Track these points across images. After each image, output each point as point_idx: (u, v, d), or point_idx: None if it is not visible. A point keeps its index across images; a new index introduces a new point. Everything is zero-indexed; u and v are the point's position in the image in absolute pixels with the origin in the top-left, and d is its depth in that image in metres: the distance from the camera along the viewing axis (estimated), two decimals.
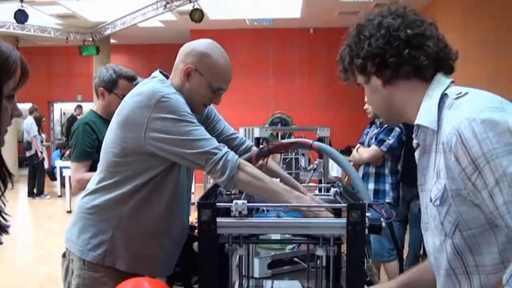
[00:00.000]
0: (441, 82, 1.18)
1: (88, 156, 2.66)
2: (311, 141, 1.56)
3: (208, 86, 1.77)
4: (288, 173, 4.53)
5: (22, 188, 10.90)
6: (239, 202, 1.26)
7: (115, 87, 2.72)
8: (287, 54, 12.01)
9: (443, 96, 1.15)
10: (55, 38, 11.82)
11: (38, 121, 10.30)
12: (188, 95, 1.76)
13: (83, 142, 2.65)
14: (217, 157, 1.55)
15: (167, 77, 1.84)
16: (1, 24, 10.98)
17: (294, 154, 3.35)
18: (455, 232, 1.09)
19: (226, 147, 1.61)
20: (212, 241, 1.25)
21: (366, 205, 1.24)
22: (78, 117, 11.13)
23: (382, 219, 1.31)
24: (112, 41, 12.83)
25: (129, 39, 13.27)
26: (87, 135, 2.65)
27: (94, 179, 1.83)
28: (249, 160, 1.68)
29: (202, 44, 1.81)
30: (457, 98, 1.10)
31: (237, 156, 1.60)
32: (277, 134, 3.77)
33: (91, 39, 11.87)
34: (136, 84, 2.00)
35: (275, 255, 2.29)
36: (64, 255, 1.94)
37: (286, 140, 1.62)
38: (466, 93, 1.10)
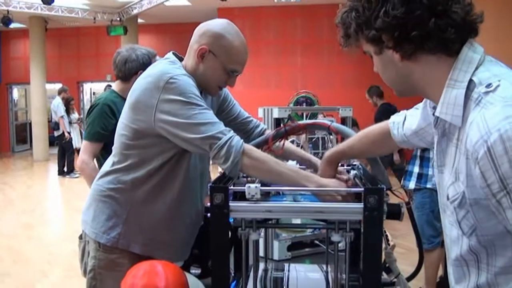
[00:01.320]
0: (467, 59, 1.03)
1: (100, 137, 2.63)
2: (329, 122, 1.52)
3: (223, 67, 1.73)
4: (315, 153, 4.51)
5: (52, 166, 11.18)
6: (252, 185, 1.23)
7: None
8: (315, 31, 11.83)
9: (470, 82, 1.01)
10: (82, 19, 11.95)
11: (67, 102, 10.47)
12: (203, 77, 1.73)
13: (99, 123, 2.63)
14: (221, 142, 1.51)
15: (182, 59, 1.81)
16: (29, 6, 11.14)
17: (321, 133, 3.30)
18: (472, 235, 1.03)
19: (231, 131, 1.56)
20: (224, 225, 1.23)
21: (384, 189, 1.19)
22: None
23: (401, 205, 1.26)
24: (139, 20, 12.89)
25: (156, 19, 13.30)
26: (104, 116, 2.63)
27: (108, 161, 1.83)
28: (265, 142, 1.65)
29: (217, 24, 1.76)
30: (487, 92, 0.96)
31: (242, 140, 1.54)
32: (302, 114, 3.71)
33: (118, 19, 11.96)
34: None
35: (295, 237, 2.27)
36: (81, 237, 1.96)
37: (303, 121, 1.58)
38: (498, 86, 0.96)
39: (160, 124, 1.59)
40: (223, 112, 1.94)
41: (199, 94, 1.61)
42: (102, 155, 2.63)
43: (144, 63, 2.66)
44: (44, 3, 9.28)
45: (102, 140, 2.63)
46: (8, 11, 10.92)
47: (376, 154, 1.52)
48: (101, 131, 2.62)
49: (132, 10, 11.57)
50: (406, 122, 1.39)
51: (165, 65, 1.68)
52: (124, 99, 1.84)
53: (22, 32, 13.96)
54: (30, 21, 12.37)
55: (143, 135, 1.67)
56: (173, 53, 1.82)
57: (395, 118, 1.44)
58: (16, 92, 15.60)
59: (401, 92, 1.18)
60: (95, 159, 2.68)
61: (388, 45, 1.07)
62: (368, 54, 1.17)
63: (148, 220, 1.76)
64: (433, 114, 1.15)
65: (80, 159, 2.65)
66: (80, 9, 11.59)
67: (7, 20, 11.05)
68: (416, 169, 3.60)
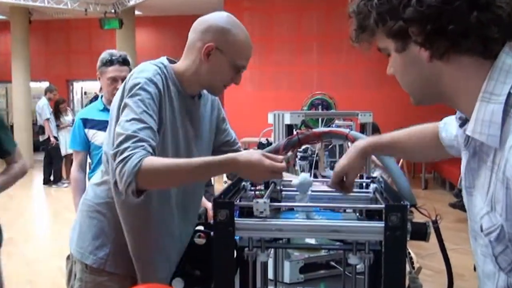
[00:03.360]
0: (505, 68, 0.97)
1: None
2: (346, 131, 1.53)
3: (231, 64, 1.77)
4: (331, 162, 4.52)
5: (37, 175, 11.23)
6: (261, 201, 1.24)
7: None
8: (333, 26, 11.83)
9: (509, 96, 0.95)
10: (72, 10, 12.04)
11: (56, 106, 10.52)
12: (208, 77, 1.78)
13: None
14: (119, 158, 1.53)
15: (173, 62, 1.86)
16: None
17: (338, 141, 3.31)
18: (511, 272, 0.99)
19: (142, 146, 1.55)
20: (229, 244, 1.24)
21: (408, 206, 1.20)
22: None
23: (427, 224, 1.27)
24: (137, 12, 12.98)
25: (156, 11, 13.39)
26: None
27: (98, 174, 1.86)
28: (276, 151, 1.66)
29: (219, 18, 1.80)
30: None
31: (140, 158, 1.52)
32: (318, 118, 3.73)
33: (113, 11, 12.03)
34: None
35: (308, 258, 2.27)
36: (69, 257, 1.99)
37: (318, 129, 1.59)
38: None
39: None
40: (219, 141, 2.03)
41: (150, 104, 1.65)
42: None
43: None
44: None
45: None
46: None
47: (425, 157, 1.49)
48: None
49: (129, 1, 11.66)
50: (450, 126, 1.36)
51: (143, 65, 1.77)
52: None
53: (2, 25, 14.10)
54: (12, 12, 12.43)
55: None
56: (166, 58, 1.87)
57: (447, 119, 1.39)
58: None
59: (420, 99, 1.14)
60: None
61: (416, 40, 1.01)
62: (384, 53, 1.13)
63: (137, 235, 1.78)
64: (460, 126, 1.13)
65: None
66: None
67: None
68: None
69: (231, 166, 1.54)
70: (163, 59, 1.84)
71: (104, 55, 3.11)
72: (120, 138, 1.56)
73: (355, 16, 1.12)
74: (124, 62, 3.07)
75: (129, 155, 1.52)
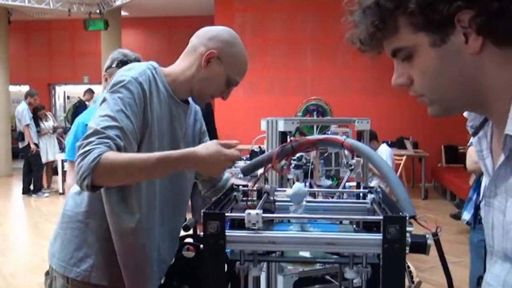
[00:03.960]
0: None
1: None
2: (342, 138, 1.53)
3: (226, 77, 1.89)
4: (327, 170, 4.53)
5: (16, 183, 11.18)
6: (253, 212, 1.24)
7: None
8: (328, 28, 11.90)
9: None
10: (55, 10, 12.01)
11: (34, 112, 10.47)
12: (201, 83, 1.88)
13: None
14: (80, 151, 1.59)
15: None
16: None
17: (333, 149, 3.32)
18: None
19: (107, 143, 1.59)
20: (220, 258, 1.24)
21: (407, 218, 1.20)
22: (88, 103, 11.33)
23: (427, 236, 1.27)
24: (123, 13, 13.00)
25: (143, 11, 13.41)
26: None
27: None
28: (269, 160, 1.66)
29: (227, 31, 1.92)
30: None
31: (99, 153, 1.56)
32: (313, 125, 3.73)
33: (98, 12, 12.04)
34: None
35: (303, 272, 2.28)
36: (47, 273, 1.98)
37: (313, 137, 1.59)
38: None
39: None
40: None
41: (129, 104, 1.69)
42: None
43: None
44: None
45: None
46: None
47: None
48: None
49: (115, 1, 11.67)
50: None
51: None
52: None
53: None
54: None
55: None
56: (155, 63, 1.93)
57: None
58: None
59: (449, 105, 1.06)
60: None
61: (471, 25, 0.94)
62: (401, 55, 1.04)
63: (121, 247, 1.79)
64: (473, 135, 1.12)
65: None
66: None
67: None
68: (475, 197, 3.38)
69: (190, 160, 1.64)
70: (153, 62, 1.89)
71: (117, 55, 2.98)
72: (88, 132, 1.63)
73: (375, 10, 1.01)
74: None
75: (91, 149, 1.58)
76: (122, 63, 2.84)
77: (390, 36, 1.03)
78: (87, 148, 1.58)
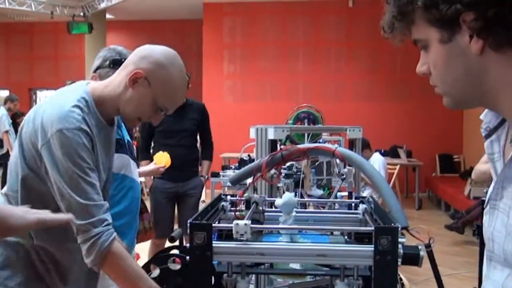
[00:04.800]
0: None
1: None
2: (333, 147, 1.54)
3: (153, 100, 1.85)
4: (318, 180, 4.54)
5: None
6: (241, 222, 1.24)
7: None
8: (320, 32, 11.96)
9: None
10: (37, 13, 11.97)
11: (13, 118, 10.39)
12: (127, 104, 1.86)
13: None
14: (87, 235, 1.73)
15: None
16: None
17: (324, 158, 3.33)
18: None
19: (105, 222, 1.76)
20: (207, 270, 1.24)
21: (399, 229, 1.21)
22: None
23: (420, 247, 1.28)
24: (108, 16, 12.98)
25: (129, 14, 13.40)
26: None
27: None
28: (258, 169, 1.67)
29: (163, 52, 1.88)
30: None
31: (110, 239, 1.75)
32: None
33: (82, 14, 12.01)
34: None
35: (293, 284, 2.28)
36: None
37: (303, 145, 1.60)
38: None
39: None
40: None
41: (88, 157, 1.77)
42: None
43: None
44: None
45: None
46: None
47: None
48: None
49: (99, 4, 11.66)
50: None
51: (64, 107, 1.79)
52: None
53: None
54: None
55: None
56: (87, 83, 1.95)
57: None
58: None
59: (461, 99, 1.12)
60: None
61: (471, 28, 0.99)
62: (420, 45, 1.10)
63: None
64: (486, 138, 1.14)
65: None
66: (33, 0, 11.62)
67: None
68: None
69: None
70: (84, 89, 1.89)
71: (110, 53, 2.63)
72: (85, 213, 1.74)
73: (395, 1, 1.08)
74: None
75: (100, 232, 1.74)
76: (116, 63, 2.52)
77: (408, 27, 1.09)
78: (90, 230, 1.73)
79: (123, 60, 2.42)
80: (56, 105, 1.79)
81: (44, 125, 1.75)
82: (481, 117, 1.22)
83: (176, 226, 5.10)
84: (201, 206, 1.73)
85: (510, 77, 1.02)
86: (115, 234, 1.79)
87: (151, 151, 5.11)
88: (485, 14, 0.96)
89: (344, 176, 2.62)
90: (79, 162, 1.74)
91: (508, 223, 1.05)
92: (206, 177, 5.38)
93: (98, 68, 2.61)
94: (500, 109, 1.08)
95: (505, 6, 0.95)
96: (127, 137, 2.75)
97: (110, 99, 1.88)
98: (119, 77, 1.88)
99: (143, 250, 4.63)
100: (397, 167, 9.15)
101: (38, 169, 1.81)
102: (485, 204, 1.17)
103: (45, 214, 1.52)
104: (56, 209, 1.77)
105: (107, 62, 2.57)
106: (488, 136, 1.17)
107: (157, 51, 1.86)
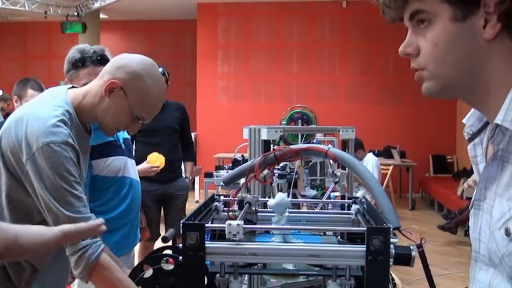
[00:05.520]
0: None
1: None
2: (326, 148, 1.54)
3: (130, 110, 1.87)
4: (312, 180, 4.54)
5: None
6: (234, 223, 1.25)
7: None
8: (314, 33, 11.98)
9: None
10: (30, 12, 11.92)
11: (7, 117, 10.34)
12: (103, 114, 1.89)
13: None
14: (75, 247, 1.77)
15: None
16: None
17: (317, 158, 3.33)
18: None
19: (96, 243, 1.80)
20: (199, 270, 1.24)
21: (391, 229, 1.22)
22: None
23: (411, 248, 1.29)
24: (102, 16, 12.95)
25: (123, 14, 13.38)
26: None
27: None
28: (251, 169, 1.67)
29: (140, 62, 1.90)
30: None
31: (98, 252, 1.79)
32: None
33: (76, 14, 11.97)
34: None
35: (285, 285, 2.28)
36: None
37: (296, 146, 1.60)
38: None
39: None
40: None
41: (74, 171, 1.80)
42: None
43: None
44: None
45: None
46: None
47: None
48: None
49: (93, 4, 11.63)
50: None
51: (48, 120, 1.80)
52: None
53: None
54: None
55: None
56: (73, 86, 2.00)
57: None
58: None
59: (447, 85, 1.09)
60: None
61: (495, 10, 0.97)
62: (420, 18, 1.06)
63: None
64: (469, 141, 1.15)
65: None
66: (27, 0, 11.58)
67: None
68: None
69: None
70: (65, 98, 1.90)
71: (73, 53, 2.57)
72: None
73: None
74: (101, 61, 2.47)
75: (87, 245, 1.79)
76: (76, 62, 2.53)
77: (409, 5, 1.05)
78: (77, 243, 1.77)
79: (85, 57, 2.50)
80: (40, 118, 1.80)
81: (28, 138, 1.76)
82: (464, 120, 1.22)
83: (162, 228, 5.09)
84: (195, 206, 1.73)
85: (508, 71, 1.01)
86: (103, 246, 1.82)
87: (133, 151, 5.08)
88: None
89: (337, 180, 2.62)
90: (66, 176, 1.76)
91: (491, 222, 1.06)
92: (191, 178, 5.35)
93: (67, 72, 2.61)
94: (485, 105, 1.08)
95: None
96: (123, 135, 2.75)
97: (88, 108, 1.90)
98: (96, 86, 1.90)
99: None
100: (391, 167, 9.18)
101: (21, 179, 1.83)
102: (470, 206, 1.18)
103: (69, 226, 1.54)
104: (40, 222, 1.82)
105: (71, 63, 2.56)
106: (471, 139, 1.18)
107: (134, 61, 1.89)
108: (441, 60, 1.05)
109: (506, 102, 0.99)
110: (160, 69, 4.65)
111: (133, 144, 5.12)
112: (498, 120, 1.00)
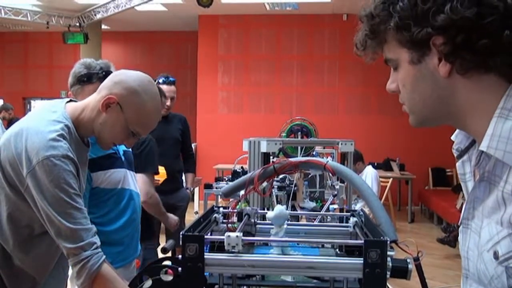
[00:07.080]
0: None
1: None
2: (324, 161, 1.56)
3: (126, 125, 1.92)
4: (311, 192, 4.55)
5: None
6: (233, 235, 1.26)
7: None
8: (314, 46, 12.02)
9: None
10: (33, 23, 11.96)
11: (9, 125, 10.37)
12: (100, 128, 1.93)
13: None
14: (77, 258, 1.80)
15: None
16: None
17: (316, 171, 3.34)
18: None
19: (94, 245, 1.83)
20: (198, 281, 1.25)
21: (388, 242, 1.23)
22: None
23: (408, 260, 1.30)
24: (104, 27, 12.98)
25: (125, 25, 13.42)
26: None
27: None
28: (251, 181, 1.69)
29: (137, 78, 1.94)
30: None
31: (99, 262, 1.81)
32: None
33: (78, 25, 12.01)
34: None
35: None
36: None
37: (295, 159, 1.62)
38: None
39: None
40: None
41: (74, 183, 1.83)
42: None
43: None
44: None
45: None
46: None
47: None
48: None
49: (95, 15, 11.67)
50: None
51: (48, 135, 1.83)
52: None
53: None
54: None
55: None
56: (71, 100, 2.04)
57: None
58: None
59: (425, 118, 1.14)
60: None
61: (440, 51, 1.02)
62: (391, 65, 1.14)
63: None
64: (457, 158, 1.16)
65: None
66: (29, 11, 11.61)
67: None
68: None
69: None
70: (63, 113, 1.94)
71: (79, 68, 2.56)
72: (75, 237, 1.80)
73: (368, 20, 1.12)
74: (107, 77, 2.35)
75: (89, 256, 1.81)
76: (82, 78, 2.52)
77: (380, 45, 1.13)
78: (80, 253, 1.80)
79: (91, 73, 2.50)
80: (40, 132, 1.83)
81: (28, 152, 1.79)
82: (452, 137, 1.25)
83: (162, 239, 5.09)
84: (194, 217, 1.75)
85: (476, 101, 1.05)
86: (104, 257, 1.85)
87: None
88: (454, 39, 0.99)
89: (336, 193, 2.63)
90: (66, 188, 1.79)
91: (479, 243, 1.08)
92: (191, 189, 5.38)
93: (73, 85, 2.59)
94: (467, 130, 1.12)
95: (473, 33, 0.98)
96: (123, 147, 2.75)
97: (86, 122, 1.94)
98: (94, 101, 1.94)
99: None
100: (390, 180, 9.17)
101: (21, 192, 1.86)
102: (459, 223, 1.20)
103: None
104: (41, 234, 1.91)
105: (77, 78, 2.55)
106: (459, 156, 1.20)
107: (131, 77, 1.93)
108: (411, 99, 1.13)
109: (490, 128, 1.02)
110: (162, 79, 4.69)
111: None
112: (483, 147, 1.03)
